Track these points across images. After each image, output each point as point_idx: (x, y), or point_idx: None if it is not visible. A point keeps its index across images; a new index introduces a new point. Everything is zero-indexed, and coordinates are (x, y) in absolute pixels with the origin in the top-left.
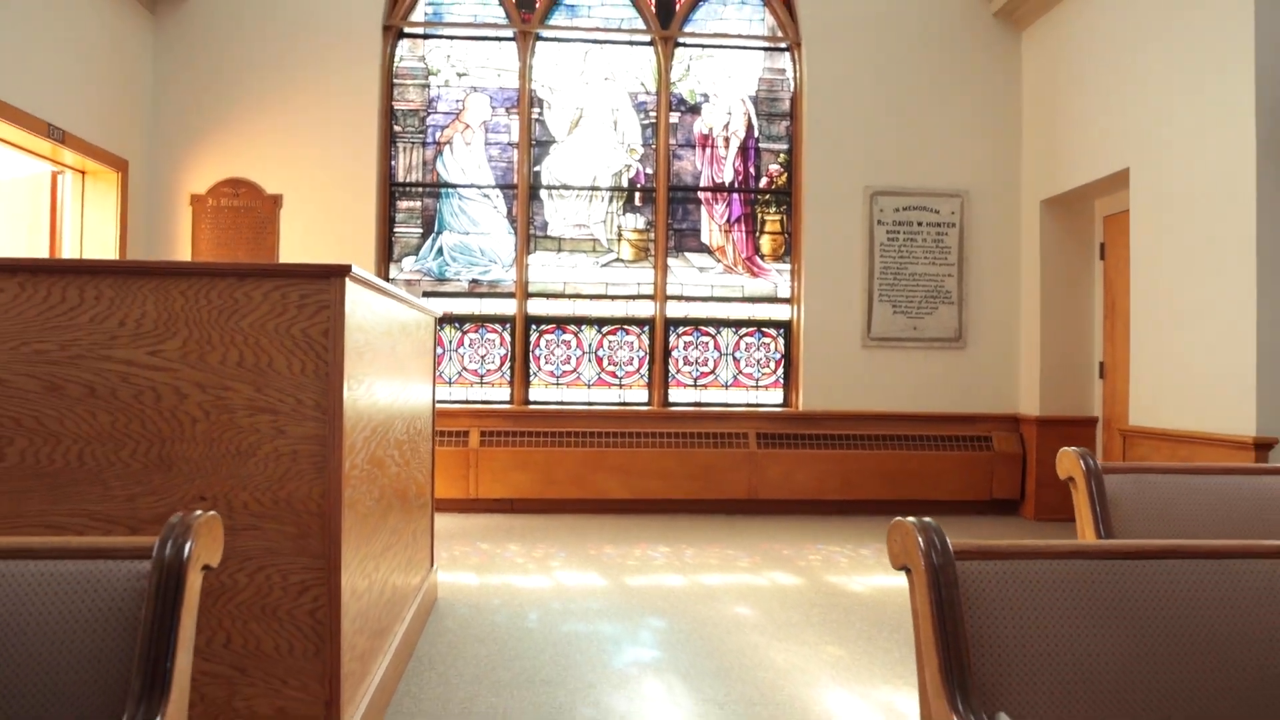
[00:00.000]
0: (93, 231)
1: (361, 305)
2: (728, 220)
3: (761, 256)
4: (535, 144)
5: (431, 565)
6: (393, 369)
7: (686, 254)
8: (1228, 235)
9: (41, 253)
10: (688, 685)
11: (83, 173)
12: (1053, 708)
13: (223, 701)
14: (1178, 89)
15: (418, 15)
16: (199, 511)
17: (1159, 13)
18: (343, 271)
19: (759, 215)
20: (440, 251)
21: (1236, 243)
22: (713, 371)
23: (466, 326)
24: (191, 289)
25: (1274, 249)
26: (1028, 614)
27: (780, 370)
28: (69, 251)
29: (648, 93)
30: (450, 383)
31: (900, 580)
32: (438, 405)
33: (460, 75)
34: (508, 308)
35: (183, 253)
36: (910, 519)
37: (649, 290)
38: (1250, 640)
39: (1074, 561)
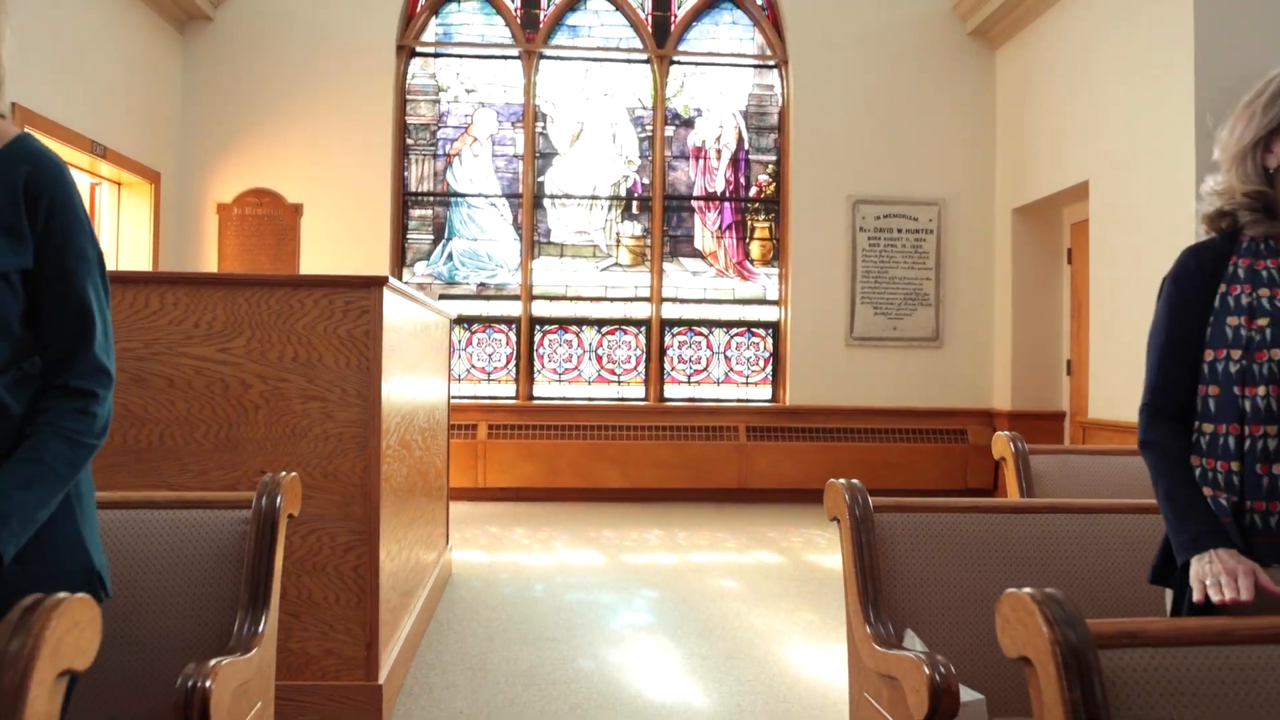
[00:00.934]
0: (128, 239)
1: (394, 310)
2: (719, 227)
3: (751, 261)
4: (539, 156)
5: (447, 543)
6: (417, 364)
7: (681, 259)
8: (1173, 241)
9: None
10: (675, 642)
11: (119, 184)
12: (949, 627)
13: (280, 644)
14: (1128, 108)
15: (429, 35)
16: (284, 472)
17: (1111, 38)
18: (381, 282)
19: (749, 222)
20: (450, 256)
21: (1180, 248)
22: (705, 369)
23: (475, 327)
24: (255, 296)
25: None
26: (932, 555)
27: (768, 368)
28: (107, 258)
29: (644, 108)
30: (460, 379)
31: None
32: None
33: (469, 91)
34: (513, 309)
35: (210, 258)
36: (840, 480)
37: (646, 293)
38: (1112, 575)
39: (971, 515)
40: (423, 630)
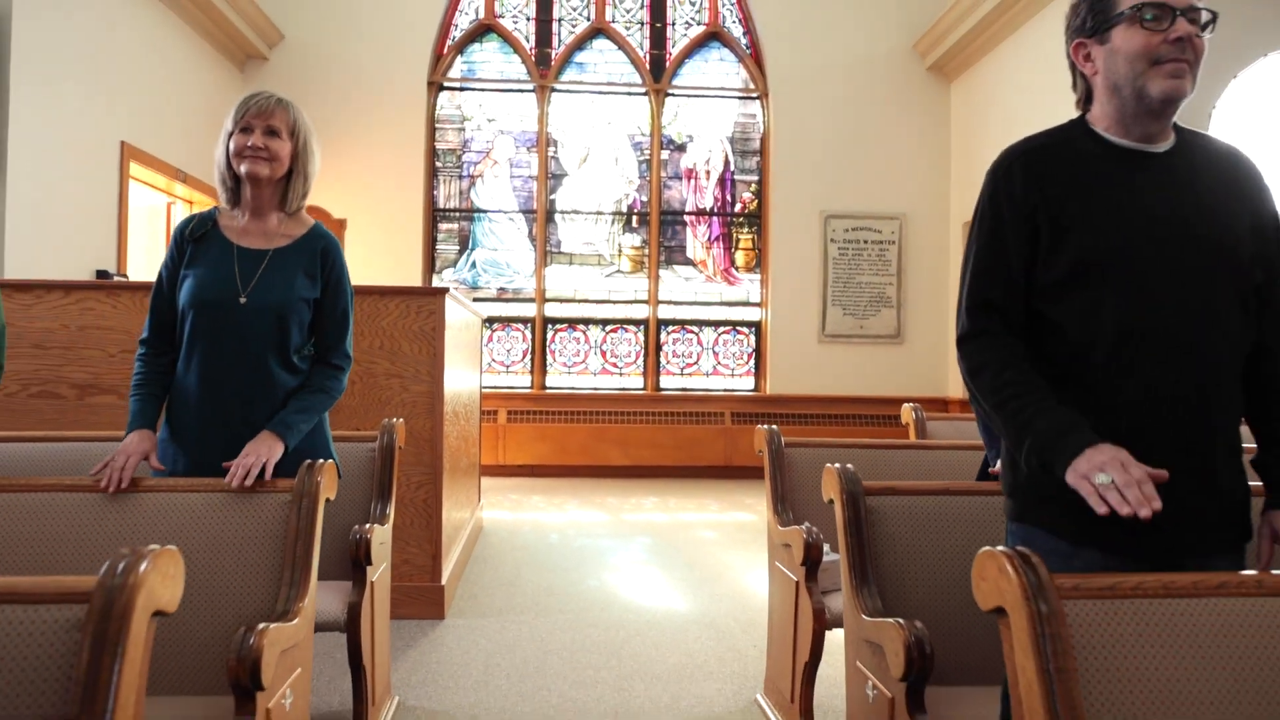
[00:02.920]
0: None
1: (451, 312)
2: (708, 238)
3: (736, 268)
4: (551, 176)
5: (479, 501)
6: (462, 353)
7: (675, 266)
8: None
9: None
10: (663, 571)
11: (190, 203)
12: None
13: None
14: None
15: (455, 72)
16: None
17: (1046, 73)
18: (444, 292)
19: (734, 234)
20: (474, 265)
21: None
22: (696, 362)
23: (495, 326)
24: (355, 301)
25: None
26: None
27: (751, 361)
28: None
29: (643, 134)
30: (483, 372)
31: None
32: None
33: (489, 120)
34: (529, 310)
35: None
36: (835, 465)
37: (644, 296)
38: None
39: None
40: (465, 561)
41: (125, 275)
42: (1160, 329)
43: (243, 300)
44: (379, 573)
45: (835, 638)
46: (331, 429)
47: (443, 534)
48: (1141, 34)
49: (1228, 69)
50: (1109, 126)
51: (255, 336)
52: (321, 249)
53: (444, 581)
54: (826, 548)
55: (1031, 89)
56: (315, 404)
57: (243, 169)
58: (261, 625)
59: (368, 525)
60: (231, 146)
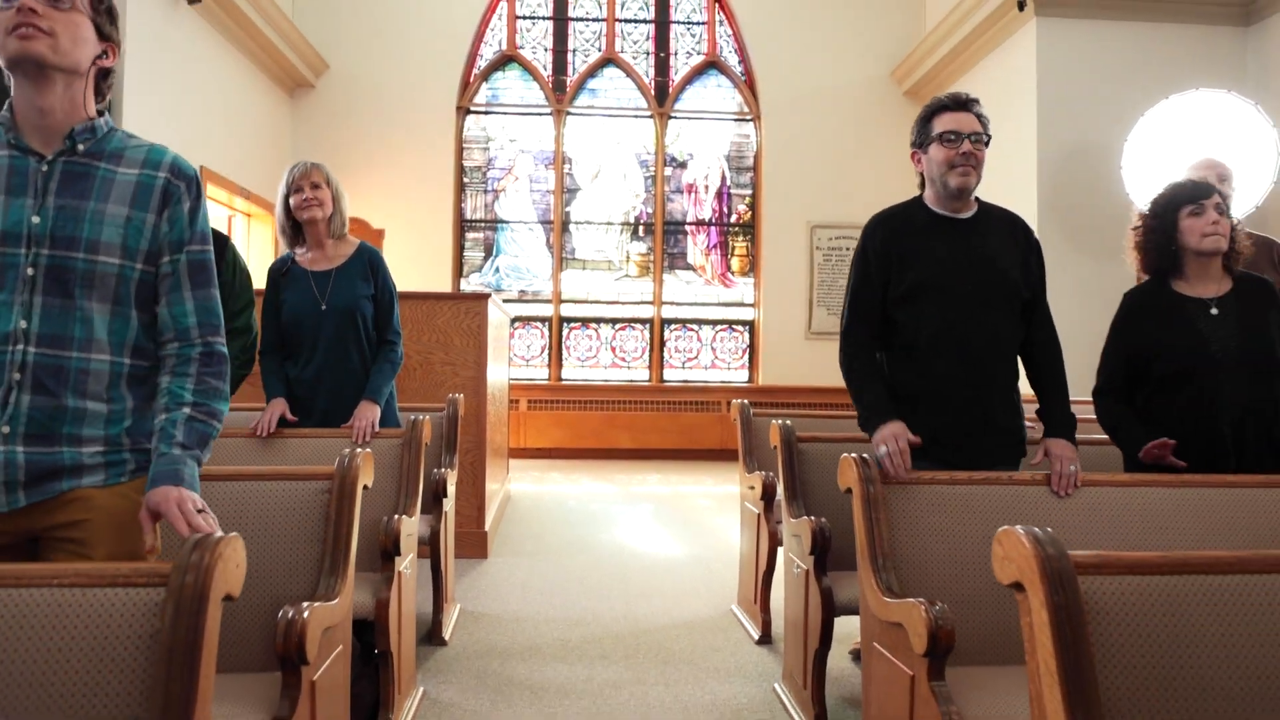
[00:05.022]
0: (256, 260)
1: (490, 312)
2: (707, 246)
3: (732, 273)
4: (566, 191)
5: (507, 476)
6: (494, 348)
7: (677, 271)
8: None
9: None
10: (665, 529)
11: (249, 215)
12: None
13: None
14: (997, 158)
15: (481, 98)
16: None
17: (1000, 98)
18: (487, 296)
19: (730, 242)
20: (497, 270)
21: None
22: (696, 357)
23: (516, 324)
24: (417, 305)
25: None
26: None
27: (746, 356)
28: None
29: (648, 153)
30: (508, 366)
31: None
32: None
33: (511, 141)
34: (546, 310)
35: None
36: (849, 454)
37: (649, 298)
38: None
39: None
40: (499, 521)
41: None
42: (959, 327)
43: (323, 307)
44: (449, 503)
45: (781, 557)
46: (400, 403)
47: (485, 490)
48: (943, 149)
49: (1137, 109)
50: (933, 202)
51: (338, 331)
52: (368, 259)
53: (487, 528)
54: (779, 487)
55: (997, 109)
56: (387, 372)
57: (303, 217)
58: (306, 604)
59: (441, 470)
60: (292, 204)
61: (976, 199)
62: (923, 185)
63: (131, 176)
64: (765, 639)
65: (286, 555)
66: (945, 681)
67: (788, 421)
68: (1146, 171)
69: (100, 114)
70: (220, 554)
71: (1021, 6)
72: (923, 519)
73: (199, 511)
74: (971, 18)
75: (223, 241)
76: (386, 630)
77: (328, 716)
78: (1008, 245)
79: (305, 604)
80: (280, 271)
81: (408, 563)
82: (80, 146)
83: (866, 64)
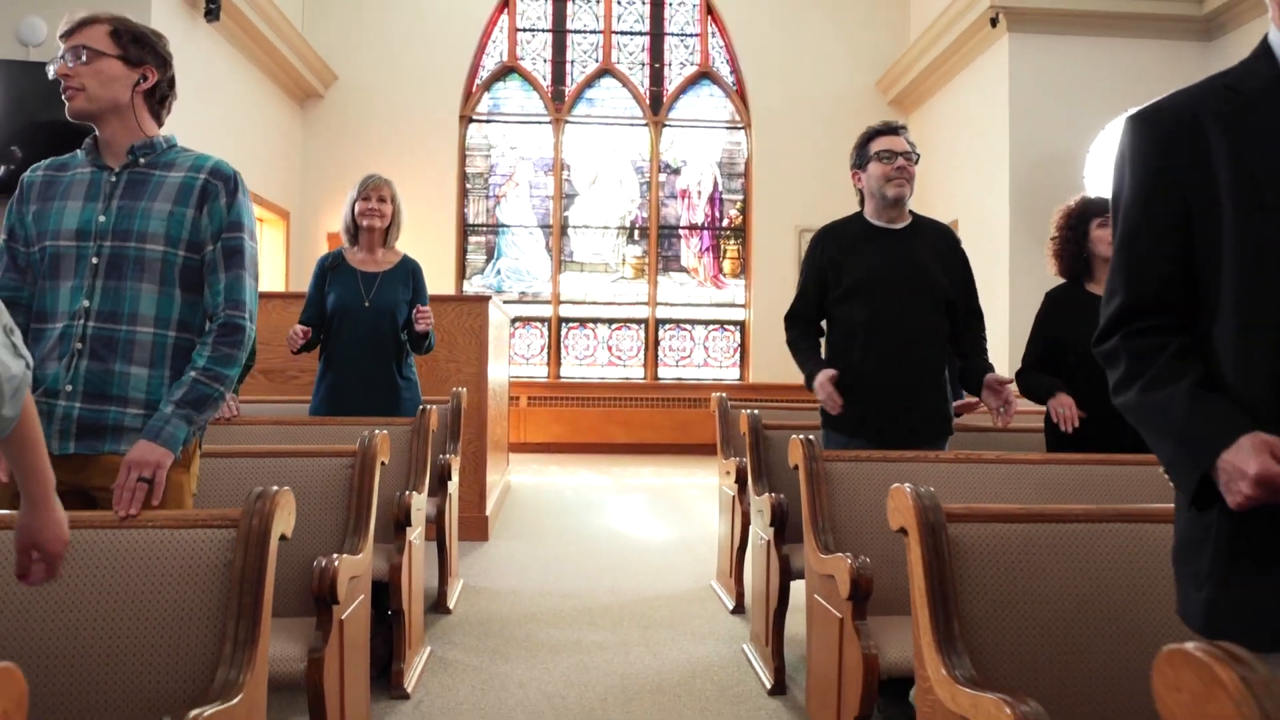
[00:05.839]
0: (267, 263)
1: (491, 313)
2: (700, 249)
3: (724, 275)
4: (564, 196)
5: (508, 466)
6: (494, 347)
7: (671, 273)
8: (992, 272)
9: None
10: (655, 516)
11: (261, 221)
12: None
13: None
14: (972, 165)
15: (482, 107)
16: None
17: (980, 106)
18: (488, 299)
19: (722, 245)
20: (499, 272)
21: (997, 274)
22: (689, 355)
23: (517, 324)
24: None
25: (1021, 282)
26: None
27: (737, 355)
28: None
29: (643, 160)
30: (508, 364)
31: None
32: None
33: (512, 149)
34: (545, 311)
35: None
36: (796, 435)
37: (644, 298)
38: None
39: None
40: (499, 509)
41: None
42: (888, 322)
43: (366, 304)
44: (454, 486)
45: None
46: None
47: (486, 477)
48: (880, 166)
49: (1099, 121)
50: (871, 214)
51: (375, 326)
52: (410, 269)
53: (488, 512)
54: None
55: (974, 119)
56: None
57: (364, 223)
58: (335, 555)
59: (446, 456)
60: (357, 209)
61: (911, 212)
62: (862, 201)
63: (178, 179)
64: (739, 609)
65: (318, 519)
66: (866, 622)
67: (755, 411)
68: (1108, 180)
69: (160, 132)
70: (278, 502)
71: (994, 23)
72: (857, 491)
73: (139, 480)
74: (949, 33)
75: None
76: (400, 590)
77: (352, 649)
78: (936, 252)
79: (335, 555)
80: (331, 265)
81: (417, 534)
82: (141, 160)
83: (853, 75)
